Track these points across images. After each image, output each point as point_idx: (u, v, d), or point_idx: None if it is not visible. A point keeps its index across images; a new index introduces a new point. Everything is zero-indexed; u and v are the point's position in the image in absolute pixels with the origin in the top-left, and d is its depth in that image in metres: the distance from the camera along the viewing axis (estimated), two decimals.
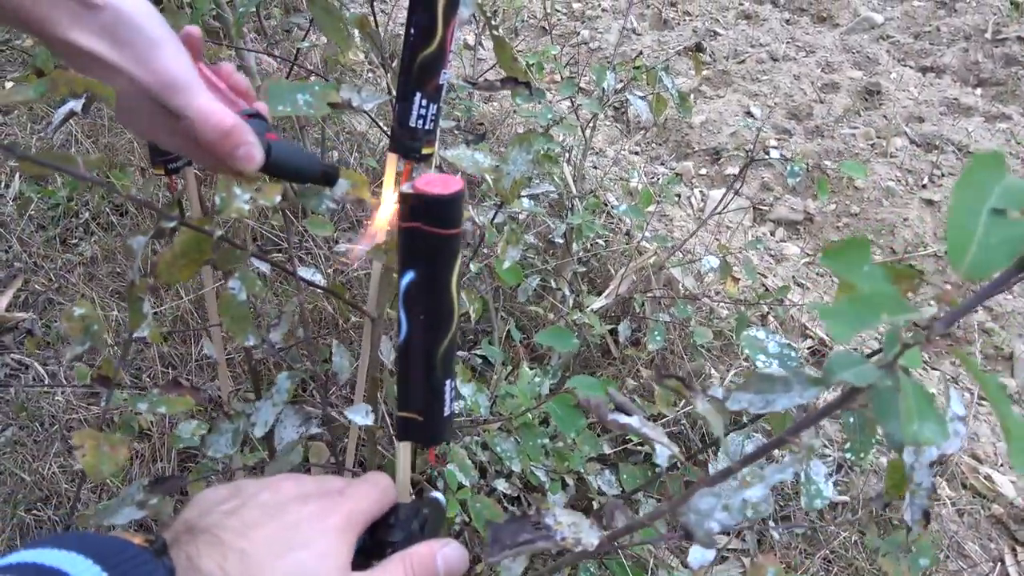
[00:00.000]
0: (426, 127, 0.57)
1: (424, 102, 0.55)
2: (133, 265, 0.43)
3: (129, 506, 0.53)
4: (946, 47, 2.66)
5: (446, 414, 0.44)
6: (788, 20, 2.96)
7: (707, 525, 0.32)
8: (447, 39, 0.53)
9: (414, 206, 0.38)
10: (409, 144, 0.57)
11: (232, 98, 0.48)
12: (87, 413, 1.31)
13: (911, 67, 2.59)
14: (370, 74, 1.93)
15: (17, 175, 1.87)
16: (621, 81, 1.19)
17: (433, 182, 0.38)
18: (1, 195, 1.83)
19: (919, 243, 1.85)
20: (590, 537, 0.35)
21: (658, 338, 1.02)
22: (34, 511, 1.19)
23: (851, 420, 0.51)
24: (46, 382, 1.40)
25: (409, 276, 0.39)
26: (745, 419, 0.75)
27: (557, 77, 2.49)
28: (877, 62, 2.58)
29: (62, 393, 1.34)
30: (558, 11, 3.21)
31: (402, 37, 0.54)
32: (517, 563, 0.40)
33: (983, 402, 1.55)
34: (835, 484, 1.11)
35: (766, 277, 1.66)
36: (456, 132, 1.44)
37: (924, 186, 2.01)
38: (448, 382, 0.44)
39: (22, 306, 1.56)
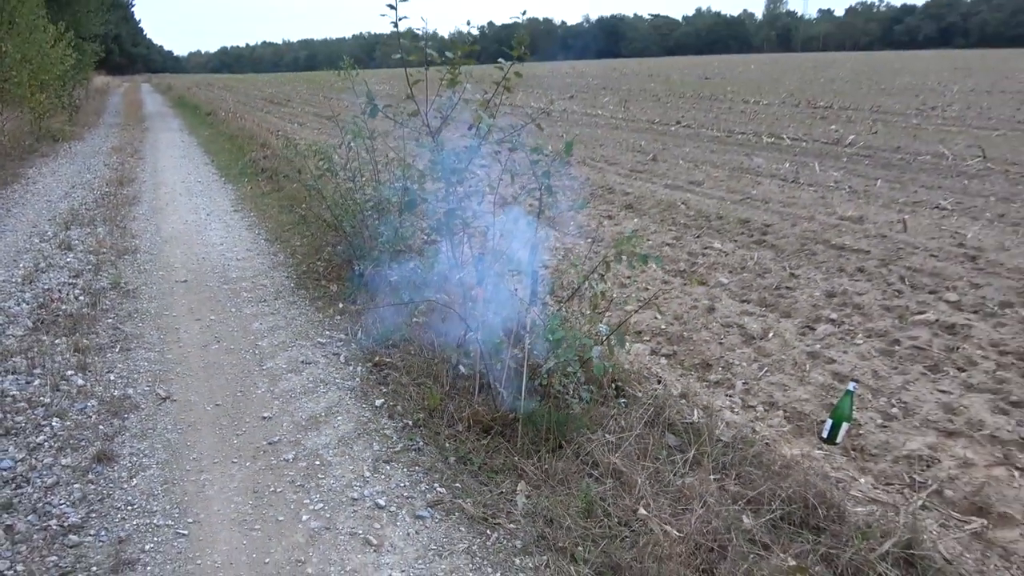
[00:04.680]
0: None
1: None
2: None
3: None
4: (754, 292, 5.54)
5: None
6: (682, 287, 5.91)
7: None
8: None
9: None
10: None
11: None
12: None
13: (735, 300, 5.45)
14: None
15: None
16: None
17: None
18: None
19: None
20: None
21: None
22: None
23: None
24: None
25: None
26: None
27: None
28: (719, 299, 5.45)
29: None
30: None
31: None
32: None
33: None
34: None
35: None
36: None
37: (721, 338, 4.73)
38: None
39: None
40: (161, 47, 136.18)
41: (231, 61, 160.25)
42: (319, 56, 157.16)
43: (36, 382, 3.82)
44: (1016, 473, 3.22)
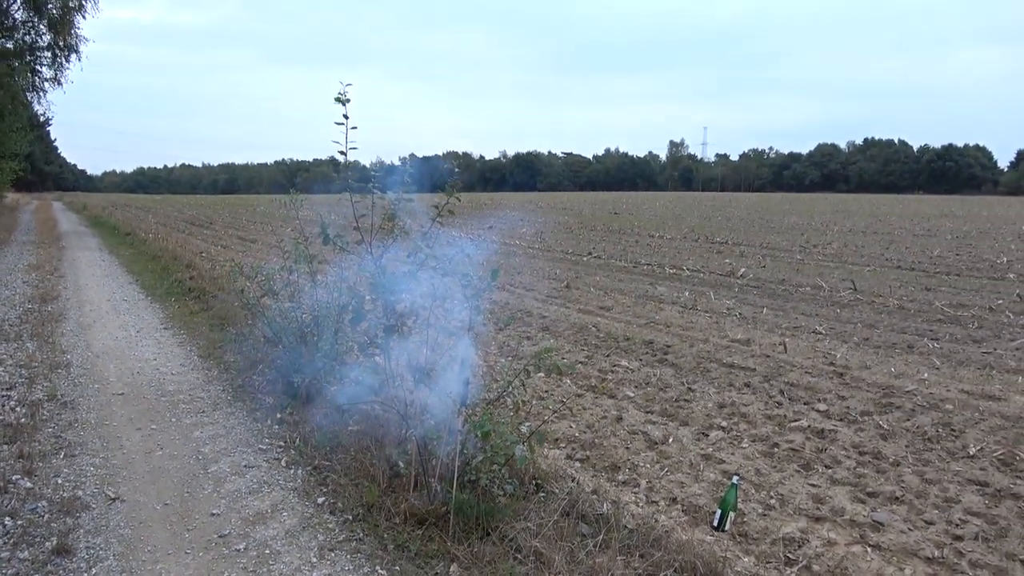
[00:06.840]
0: None
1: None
2: None
3: None
4: (656, 404, 6.20)
5: None
6: (594, 399, 6.52)
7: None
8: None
9: None
10: None
11: None
12: None
13: (640, 411, 6.07)
14: None
15: None
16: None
17: None
18: None
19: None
20: None
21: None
22: None
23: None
24: None
25: None
26: None
27: None
28: (626, 410, 6.06)
29: None
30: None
31: None
32: None
33: None
34: None
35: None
36: None
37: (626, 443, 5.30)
38: None
39: None
40: (74, 165, 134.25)
41: (147, 182, 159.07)
42: (239, 180, 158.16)
43: None
44: (869, 549, 3.84)
